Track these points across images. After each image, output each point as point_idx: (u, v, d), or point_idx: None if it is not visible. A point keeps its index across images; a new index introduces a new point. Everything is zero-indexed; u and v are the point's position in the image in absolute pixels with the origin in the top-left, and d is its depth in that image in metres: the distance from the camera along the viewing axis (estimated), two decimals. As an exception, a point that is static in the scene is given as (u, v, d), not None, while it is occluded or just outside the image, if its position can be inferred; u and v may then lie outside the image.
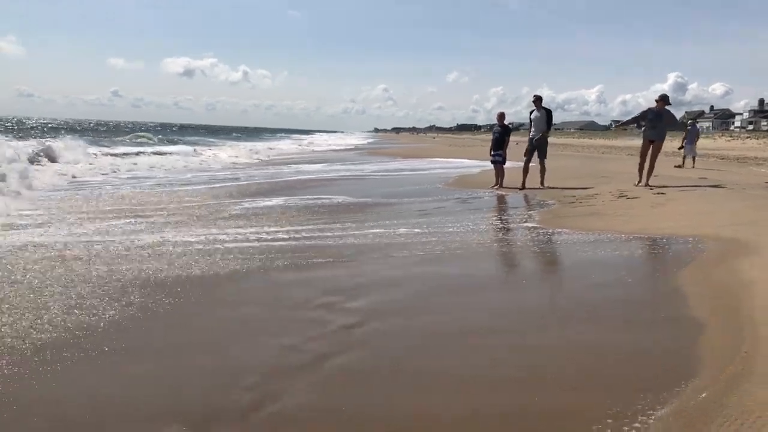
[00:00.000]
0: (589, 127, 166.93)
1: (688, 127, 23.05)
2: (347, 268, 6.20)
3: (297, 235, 8.03)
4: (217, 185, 15.59)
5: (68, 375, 3.58)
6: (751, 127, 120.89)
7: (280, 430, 2.95)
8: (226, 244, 7.34)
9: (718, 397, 3.04)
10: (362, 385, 3.49)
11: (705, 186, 12.54)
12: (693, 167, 21.05)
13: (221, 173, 20.48)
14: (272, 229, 8.56)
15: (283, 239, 7.77)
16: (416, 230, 8.31)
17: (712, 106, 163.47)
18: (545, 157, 14.17)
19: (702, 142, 57.85)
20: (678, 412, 2.96)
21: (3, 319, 4.45)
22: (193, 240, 7.62)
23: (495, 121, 15.28)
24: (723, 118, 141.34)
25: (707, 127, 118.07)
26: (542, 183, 13.90)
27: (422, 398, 3.27)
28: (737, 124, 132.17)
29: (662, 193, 10.98)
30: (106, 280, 5.63)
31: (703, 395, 3.10)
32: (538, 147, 14.16)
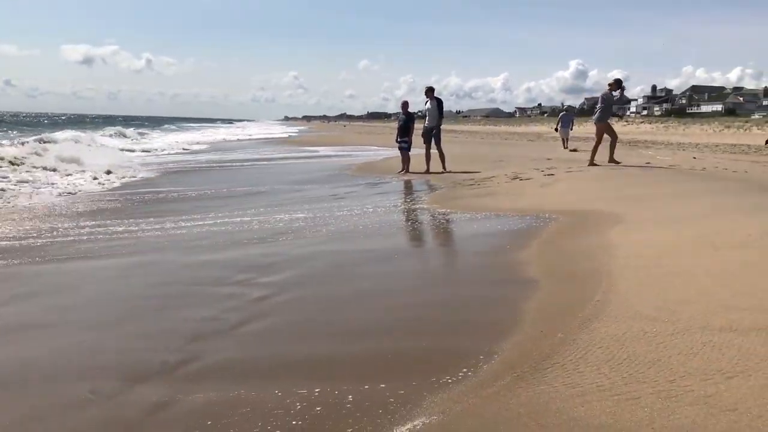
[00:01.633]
0: (495, 114, 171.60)
1: (562, 113, 27.57)
2: (261, 249, 6.65)
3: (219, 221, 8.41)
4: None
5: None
6: (645, 112, 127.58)
7: (202, 381, 3.39)
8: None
9: (572, 335, 3.71)
10: (273, 341, 4.04)
11: (591, 168, 13.62)
12: (566, 148, 24.46)
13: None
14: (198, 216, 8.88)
15: (202, 224, 8.14)
16: (325, 213, 8.85)
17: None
18: (440, 143, 14.93)
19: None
20: (531, 347, 3.60)
21: None
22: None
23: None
24: (620, 104, 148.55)
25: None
26: (444, 167, 14.69)
27: (322, 346, 3.90)
28: (632, 109, 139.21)
29: (552, 174, 11.92)
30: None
31: (559, 335, 3.76)
32: (433, 135, 14.93)
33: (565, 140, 25.58)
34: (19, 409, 3.12)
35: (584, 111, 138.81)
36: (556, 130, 26.45)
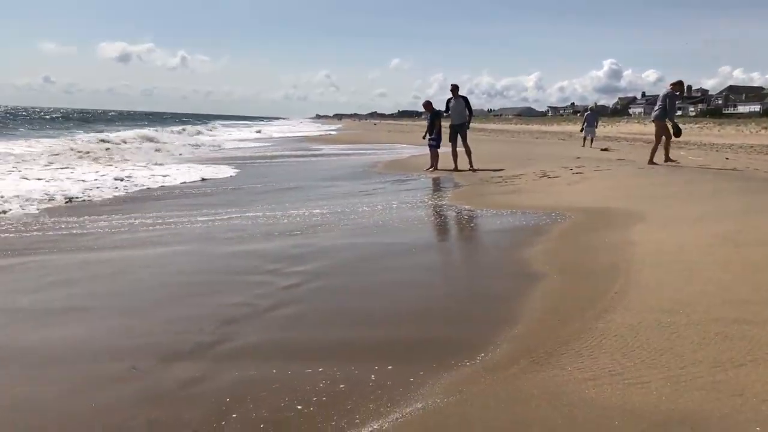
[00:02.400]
0: (527, 113, 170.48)
1: (587, 112, 27.93)
2: (293, 241, 6.88)
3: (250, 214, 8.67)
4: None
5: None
6: (680, 113, 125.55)
7: (235, 359, 3.60)
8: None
9: (588, 324, 3.85)
10: (301, 325, 4.23)
11: (620, 167, 13.61)
12: (591, 147, 24.91)
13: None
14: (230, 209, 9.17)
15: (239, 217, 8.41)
16: (353, 208, 9.10)
17: (643, 92, 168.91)
18: (467, 140, 15.01)
19: (633, 127, 60.25)
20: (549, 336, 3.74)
21: None
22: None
23: (436, 108, 16.06)
24: (654, 104, 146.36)
25: (639, 113, 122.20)
26: (471, 165, 14.78)
27: (346, 331, 4.10)
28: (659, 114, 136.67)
29: (580, 173, 11.96)
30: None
31: (576, 324, 3.90)
32: (459, 132, 15.02)
33: (588, 139, 26.04)
34: (66, 384, 3.36)
35: (617, 111, 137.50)
36: (582, 130, 27.01)
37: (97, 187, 12.11)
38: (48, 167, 16.19)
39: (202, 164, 18.52)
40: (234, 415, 2.93)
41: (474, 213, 8.58)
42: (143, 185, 12.89)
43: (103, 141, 27.98)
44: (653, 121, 14.15)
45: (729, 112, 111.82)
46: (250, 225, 7.93)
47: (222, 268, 5.92)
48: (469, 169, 14.49)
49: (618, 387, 2.99)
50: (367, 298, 4.95)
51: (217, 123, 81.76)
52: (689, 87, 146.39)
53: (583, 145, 25.38)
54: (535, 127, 75.52)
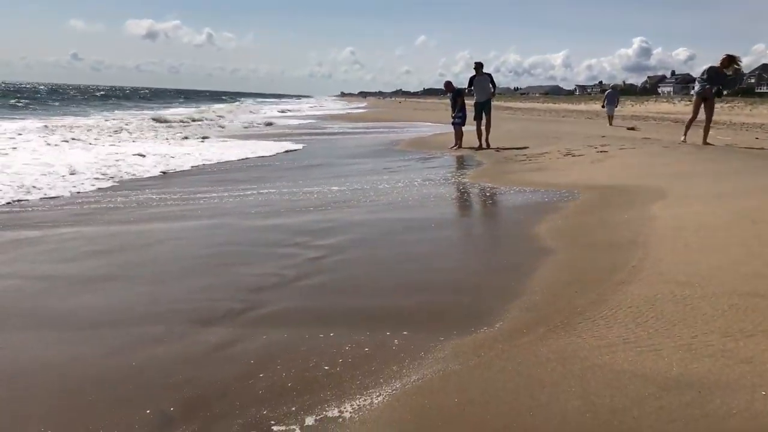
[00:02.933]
0: (554, 92, 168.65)
1: (608, 91, 28.26)
2: (318, 216, 7.07)
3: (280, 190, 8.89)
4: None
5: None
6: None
7: (264, 325, 3.79)
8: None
9: (605, 295, 3.97)
10: (327, 293, 4.43)
11: (645, 146, 13.56)
12: (611, 125, 25.09)
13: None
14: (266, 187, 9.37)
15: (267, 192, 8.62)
16: (377, 185, 9.24)
17: (673, 71, 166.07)
18: (490, 116, 15.03)
19: (662, 106, 59.42)
20: (568, 307, 3.88)
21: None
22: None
23: (462, 85, 16.09)
24: (683, 83, 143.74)
25: (668, 92, 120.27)
26: (487, 141, 14.81)
27: (369, 300, 4.29)
28: (697, 88, 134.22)
29: (604, 151, 11.96)
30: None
31: (593, 295, 4.02)
32: (483, 109, 15.03)
33: (611, 117, 26.29)
34: (106, 345, 3.58)
35: (646, 90, 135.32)
36: (603, 107, 27.31)
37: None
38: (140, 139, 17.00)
39: (272, 140, 19.24)
40: (262, 375, 3.12)
41: (496, 190, 8.69)
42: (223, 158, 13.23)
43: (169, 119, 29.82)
44: (695, 94, 13.59)
45: (762, 91, 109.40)
46: (278, 200, 8.16)
47: (251, 240, 6.14)
48: (485, 147, 14.56)
49: (631, 354, 3.12)
50: (389, 269, 5.13)
51: (248, 101, 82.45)
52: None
53: (611, 124, 25.62)
54: (562, 106, 74.65)
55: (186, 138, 19.67)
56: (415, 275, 4.89)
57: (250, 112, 47.42)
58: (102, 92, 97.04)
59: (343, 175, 10.76)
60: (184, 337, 3.63)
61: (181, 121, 29.85)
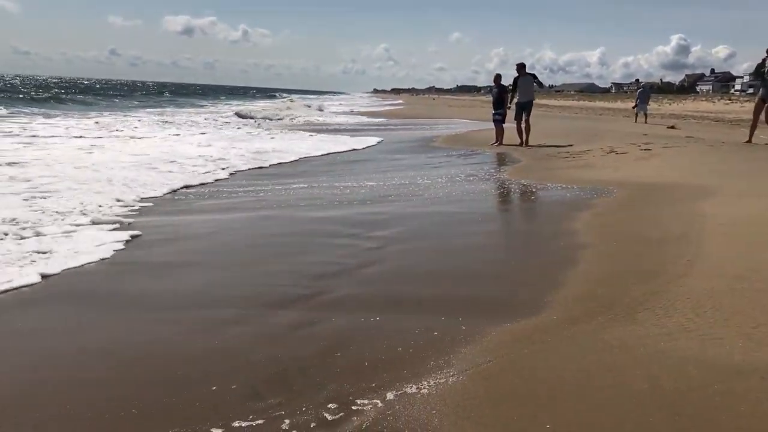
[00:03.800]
0: (589, 90, 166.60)
1: (640, 89, 29.00)
2: (368, 209, 7.27)
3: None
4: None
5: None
6: (751, 90, 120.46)
7: (333, 309, 3.99)
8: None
9: (663, 287, 4.08)
10: (386, 282, 4.63)
11: (689, 144, 13.50)
12: (645, 122, 25.48)
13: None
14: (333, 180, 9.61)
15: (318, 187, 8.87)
16: (422, 180, 9.44)
17: (712, 69, 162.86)
18: (529, 117, 15.04)
19: (701, 105, 58.41)
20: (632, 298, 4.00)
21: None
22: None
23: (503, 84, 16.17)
24: (723, 81, 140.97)
25: (707, 91, 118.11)
26: (527, 141, 14.83)
27: (421, 288, 4.47)
28: (737, 87, 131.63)
29: (648, 149, 11.95)
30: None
31: (651, 287, 4.13)
32: (525, 109, 15.04)
33: (641, 115, 26.92)
34: (183, 326, 3.80)
35: (683, 88, 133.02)
36: (635, 106, 27.99)
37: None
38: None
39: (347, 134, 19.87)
40: (338, 354, 3.31)
41: (543, 186, 8.78)
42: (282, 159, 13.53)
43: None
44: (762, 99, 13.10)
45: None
46: (330, 194, 8.39)
47: (309, 231, 6.36)
48: (525, 144, 14.62)
49: (692, 342, 3.24)
50: (442, 259, 5.30)
51: (293, 96, 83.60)
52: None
53: (636, 121, 26.20)
54: (598, 103, 73.92)
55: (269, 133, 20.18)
56: (467, 265, 5.08)
57: (307, 106, 47.99)
58: (151, 88, 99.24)
59: (386, 170, 10.98)
60: (262, 319, 3.84)
61: (265, 118, 30.65)
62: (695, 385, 2.80)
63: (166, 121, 24.18)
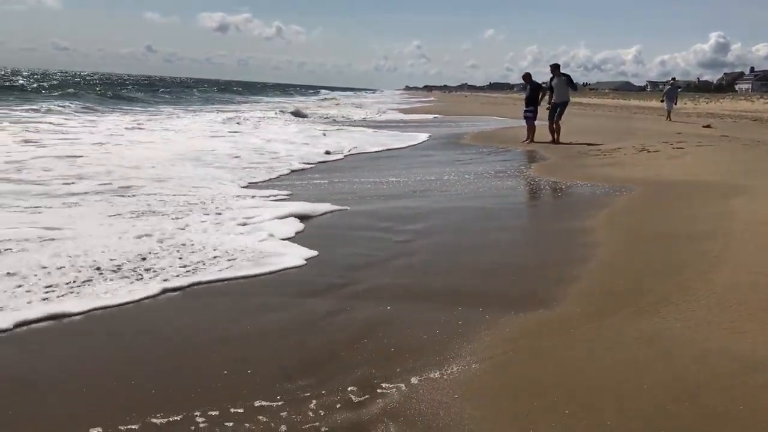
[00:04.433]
0: (624, 88, 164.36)
1: (668, 87, 29.39)
2: (399, 203, 7.38)
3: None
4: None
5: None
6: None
7: (363, 298, 4.11)
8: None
9: (688, 283, 4.12)
10: (415, 274, 4.73)
11: (723, 143, 13.36)
12: (670, 120, 25.80)
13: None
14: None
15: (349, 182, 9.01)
16: (451, 177, 9.53)
17: (752, 68, 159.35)
18: (561, 118, 14.98)
19: (739, 104, 57.30)
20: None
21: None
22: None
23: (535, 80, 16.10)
24: (764, 80, 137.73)
25: (746, 89, 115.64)
26: (558, 139, 14.77)
27: (446, 280, 4.58)
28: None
29: (681, 148, 11.86)
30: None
31: (676, 282, 4.17)
32: (558, 109, 14.96)
33: (669, 113, 26.98)
34: (226, 313, 3.94)
35: (721, 87, 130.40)
36: (662, 101, 28.79)
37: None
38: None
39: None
40: (366, 341, 3.43)
41: (573, 183, 8.77)
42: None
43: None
44: None
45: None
46: (362, 189, 8.54)
47: (342, 224, 6.46)
48: (556, 142, 14.56)
49: (715, 335, 3.30)
50: (472, 253, 5.41)
51: (334, 93, 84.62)
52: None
53: (666, 119, 26.41)
54: (633, 102, 72.87)
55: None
56: (492, 259, 5.20)
57: (355, 106, 48.02)
58: (188, 83, 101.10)
59: (415, 166, 11.10)
60: (294, 307, 3.98)
61: (324, 116, 30.68)
62: (717, 378, 2.86)
63: (238, 120, 24.08)
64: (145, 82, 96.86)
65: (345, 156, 12.85)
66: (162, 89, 63.27)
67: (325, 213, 6.74)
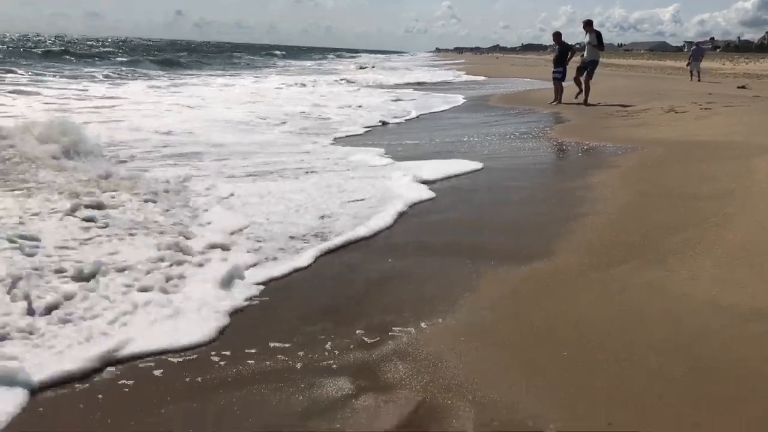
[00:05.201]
0: (660, 48, 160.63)
1: (694, 47, 30.25)
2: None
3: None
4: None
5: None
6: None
7: (385, 250, 4.31)
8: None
9: (697, 237, 4.22)
10: (435, 230, 4.94)
11: (754, 103, 13.16)
12: (699, 81, 26.42)
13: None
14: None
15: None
16: (480, 138, 9.69)
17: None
18: (591, 77, 14.82)
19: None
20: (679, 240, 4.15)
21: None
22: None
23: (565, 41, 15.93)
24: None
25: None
26: (586, 100, 14.61)
27: (461, 236, 4.72)
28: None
29: (709, 108, 11.73)
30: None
31: (686, 236, 4.27)
32: (588, 68, 14.79)
33: (694, 73, 27.74)
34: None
35: (763, 46, 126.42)
36: (688, 64, 29.12)
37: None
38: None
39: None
40: (385, 290, 3.65)
41: (595, 144, 8.77)
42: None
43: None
44: None
45: None
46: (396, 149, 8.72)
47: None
48: (585, 103, 14.44)
49: (715, 287, 3.42)
50: (493, 210, 5.60)
51: (366, 56, 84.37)
52: None
53: (691, 79, 26.86)
54: (668, 62, 71.22)
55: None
56: (502, 216, 5.37)
57: (386, 68, 47.67)
58: (230, 48, 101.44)
59: (439, 129, 11.21)
60: (320, 259, 4.17)
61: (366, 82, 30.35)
62: (714, 330, 2.97)
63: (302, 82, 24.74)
64: (182, 45, 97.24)
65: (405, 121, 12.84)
66: (203, 53, 63.45)
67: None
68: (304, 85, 23.63)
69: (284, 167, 7.09)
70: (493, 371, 2.67)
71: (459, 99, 17.61)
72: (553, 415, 2.35)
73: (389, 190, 5.98)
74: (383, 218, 5.01)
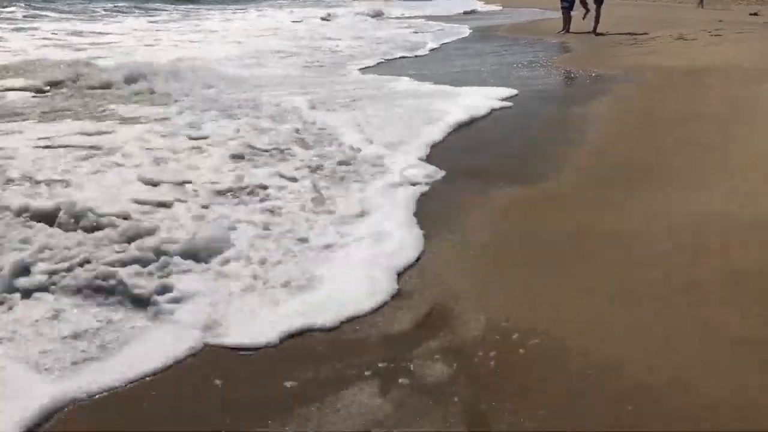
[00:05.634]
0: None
1: None
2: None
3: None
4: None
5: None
6: None
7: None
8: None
9: (697, 157, 4.39)
10: (450, 152, 5.08)
11: (765, 30, 13.04)
12: (702, 7, 26.81)
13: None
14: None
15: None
16: (487, 67, 9.71)
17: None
18: (601, 5, 14.54)
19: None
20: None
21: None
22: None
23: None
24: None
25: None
26: (595, 30, 14.36)
27: (468, 158, 4.92)
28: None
29: (719, 35, 11.66)
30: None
31: (692, 155, 4.45)
32: None
33: (700, 1, 27.85)
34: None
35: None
36: None
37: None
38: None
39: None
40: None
41: (600, 72, 8.82)
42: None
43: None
44: None
45: None
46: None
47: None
48: (594, 32, 14.24)
49: (719, 199, 3.62)
50: (482, 137, 5.68)
51: None
52: None
53: (698, 6, 26.94)
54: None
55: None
56: (502, 141, 5.47)
57: None
58: None
59: (447, 59, 11.30)
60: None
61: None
62: (714, 239, 3.16)
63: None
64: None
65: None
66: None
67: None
68: (326, 18, 22.10)
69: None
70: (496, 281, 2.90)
71: (465, 30, 17.38)
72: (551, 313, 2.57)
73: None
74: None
